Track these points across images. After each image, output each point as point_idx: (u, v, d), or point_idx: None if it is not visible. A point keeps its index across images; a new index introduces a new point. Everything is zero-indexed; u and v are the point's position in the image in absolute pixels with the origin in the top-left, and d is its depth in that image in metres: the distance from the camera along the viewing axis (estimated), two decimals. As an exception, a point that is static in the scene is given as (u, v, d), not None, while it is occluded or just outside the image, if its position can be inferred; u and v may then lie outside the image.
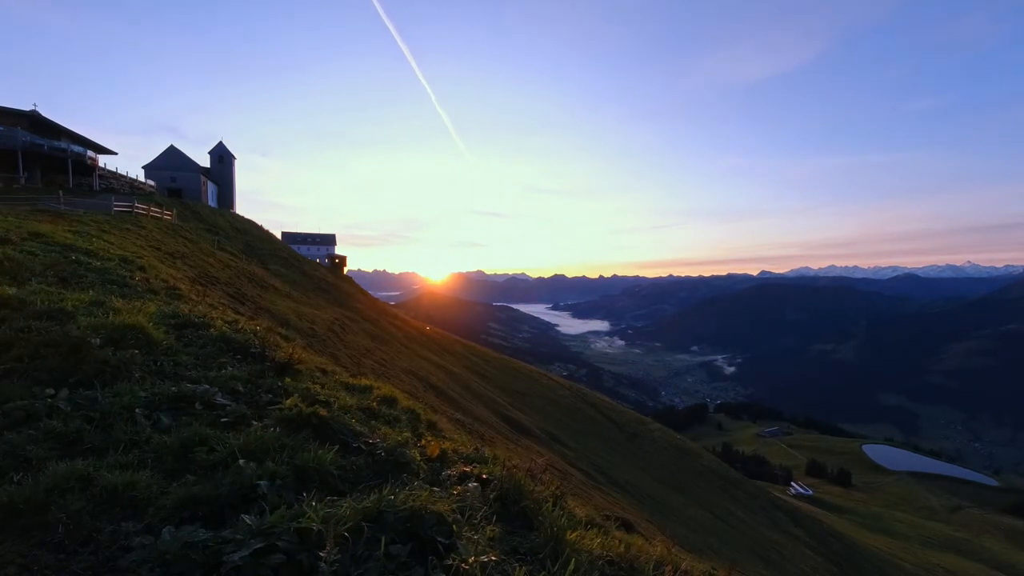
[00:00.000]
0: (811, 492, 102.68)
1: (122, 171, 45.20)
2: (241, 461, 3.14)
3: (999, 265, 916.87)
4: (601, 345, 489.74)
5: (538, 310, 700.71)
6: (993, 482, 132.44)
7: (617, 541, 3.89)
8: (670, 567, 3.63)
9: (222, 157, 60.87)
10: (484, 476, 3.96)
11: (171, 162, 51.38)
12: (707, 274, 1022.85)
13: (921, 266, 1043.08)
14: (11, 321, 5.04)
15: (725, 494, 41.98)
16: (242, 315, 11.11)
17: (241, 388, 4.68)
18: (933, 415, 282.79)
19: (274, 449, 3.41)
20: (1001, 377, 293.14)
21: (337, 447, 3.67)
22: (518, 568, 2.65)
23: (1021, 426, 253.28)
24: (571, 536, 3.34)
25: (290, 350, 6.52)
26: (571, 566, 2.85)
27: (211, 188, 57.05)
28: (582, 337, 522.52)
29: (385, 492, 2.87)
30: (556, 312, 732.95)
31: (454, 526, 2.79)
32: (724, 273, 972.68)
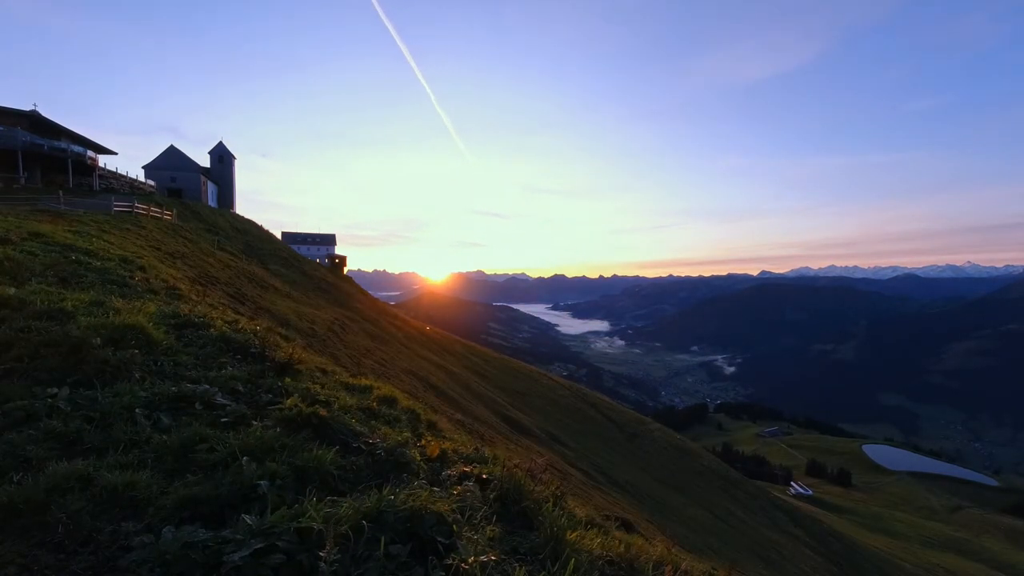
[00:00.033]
0: (811, 492, 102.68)
1: (122, 171, 45.25)
2: (241, 461, 3.14)
3: (999, 265, 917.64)
4: (601, 345, 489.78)
5: (538, 310, 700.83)
6: (993, 482, 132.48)
7: (617, 541, 3.89)
8: (670, 567, 3.63)
9: (222, 157, 60.88)
10: (484, 476, 3.96)
11: (171, 162, 51.38)
12: (707, 274, 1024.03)
13: (921, 266, 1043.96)
14: (11, 321, 5.04)
15: (725, 494, 41.98)
16: (242, 315, 11.11)
17: (241, 388, 4.68)
18: (933, 415, 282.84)
19: (274, 449, 3.41)
20: (1001, 377, 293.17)
21: (337, 447, 3.68)
22: (518, 568, 2.66)
23: (1021, 426, 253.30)
24: (571, 536, 3.35)
25: (290, 350, 6.52)
26: (571, 566, 2.85)
27: (211, 188, 57.05)
28: (582, 337, 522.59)
29: (385, 492, 2.87)
30: (556, 312, 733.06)
31: (454, 526, 2.79)
32: (724, 273, 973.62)
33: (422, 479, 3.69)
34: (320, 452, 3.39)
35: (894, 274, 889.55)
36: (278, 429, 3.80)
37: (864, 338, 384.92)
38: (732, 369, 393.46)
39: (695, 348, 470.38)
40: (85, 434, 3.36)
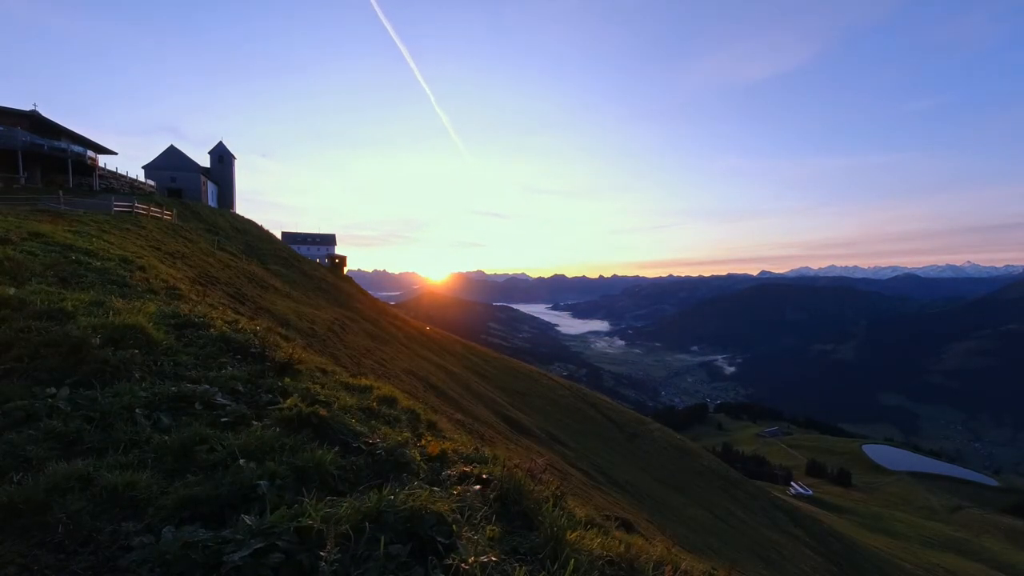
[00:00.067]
0: (811, 492, 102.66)
1: (122, 171, 45.24)
2: (241, 461, 3.14)
3: (999, 265, 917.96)
4: (601, 345, 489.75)
5: (538, 310, 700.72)
6: (993, 482, 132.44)
7: (617, 541, 3.89)
8: (670, 567, 3.63)
9: (222, 157, 60.89)
10: (484, 476, 3.96)
11: (171, 162, 51.38)
12: (707, 274, 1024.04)
13: (921, 266, 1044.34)
14: (11, 321, 5.04)
15: (725, 494, 41.98)
16: (242, 315, 11.11)
17: (241, 388, 4.68)
18: (933, 415, 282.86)
19: (274, 449, 3.41)
20: (1001, 377, 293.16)
21: (337, 447, 3.68)
22: (518, 568, 2.66)
23: (1021, 426, 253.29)
24: (571, 536, 3.34)
25: (290, 350, 6.52)
26: (571, 566, 2.85)
27: (211, 188, 57.05)
28: (582, 337, 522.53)
29: (385, 492, 2.87)
30: (556, 312, 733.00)
31: (454, 526, 2.79)
32: (724, 273, 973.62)
33: (422, 479, 3.69)
34: (320, 452, 3.39)
35: (894, 274, 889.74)
36: (278, 429, 3.80)
37: (864, 338, 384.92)
38: (732, 369, 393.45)
39: (695, 348, 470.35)
40: (85, 434, 3.36)
